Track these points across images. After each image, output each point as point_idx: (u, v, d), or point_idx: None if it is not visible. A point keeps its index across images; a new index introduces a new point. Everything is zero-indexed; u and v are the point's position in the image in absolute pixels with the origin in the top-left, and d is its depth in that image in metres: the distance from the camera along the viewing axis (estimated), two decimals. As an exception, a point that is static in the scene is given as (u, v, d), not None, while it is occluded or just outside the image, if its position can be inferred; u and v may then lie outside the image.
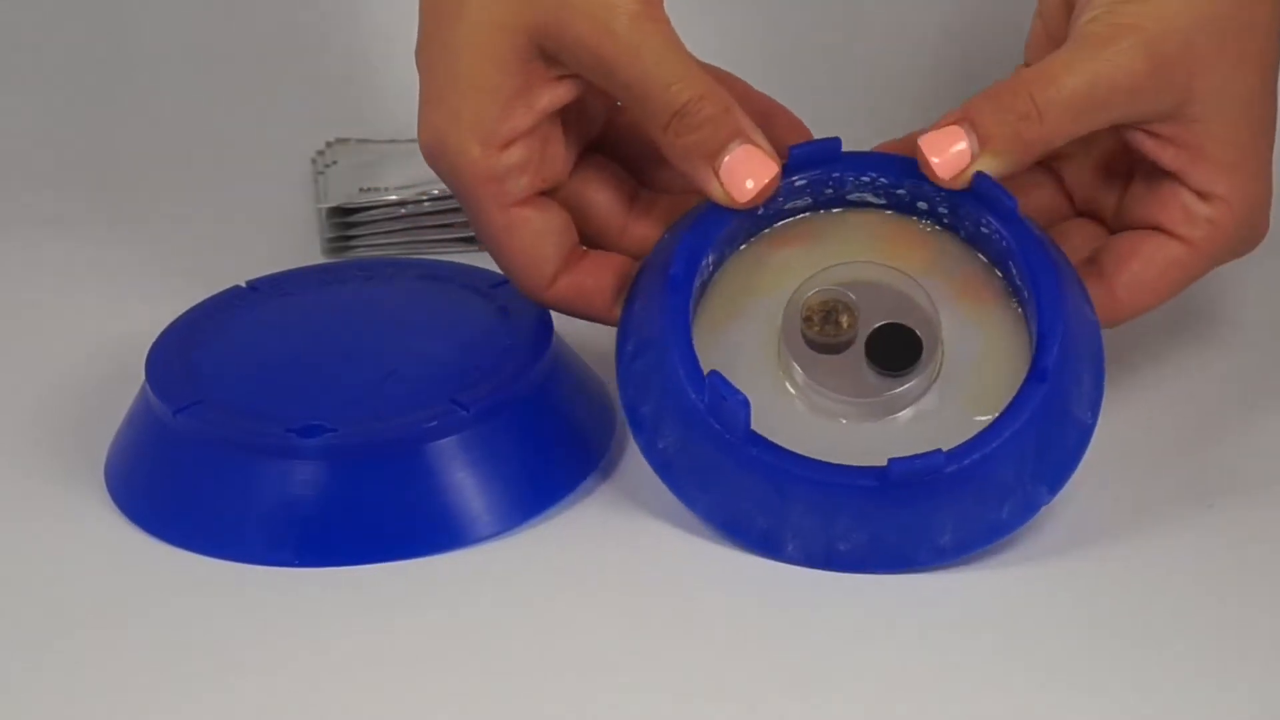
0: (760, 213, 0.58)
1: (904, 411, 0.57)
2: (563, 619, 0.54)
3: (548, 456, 0.59)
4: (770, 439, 0.55)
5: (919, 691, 0.51)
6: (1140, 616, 0.54)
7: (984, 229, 0.58)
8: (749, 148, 0.57)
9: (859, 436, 0.56)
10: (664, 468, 0.57)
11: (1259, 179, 0.59)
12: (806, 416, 0.57)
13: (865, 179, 0.59)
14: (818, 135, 0.61)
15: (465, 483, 0.58)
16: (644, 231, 0.61)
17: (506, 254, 0.60)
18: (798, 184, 0.59)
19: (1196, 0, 0.57)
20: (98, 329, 0.70)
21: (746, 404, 0.54)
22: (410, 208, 0.77)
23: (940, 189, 0.57)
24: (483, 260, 0.69)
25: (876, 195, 0.59)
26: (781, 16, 0.85)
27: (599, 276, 0.60)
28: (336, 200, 0.77)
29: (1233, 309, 0.71)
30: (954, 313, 0.58)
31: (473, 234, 0.77)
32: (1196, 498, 0.59)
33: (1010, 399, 0.55)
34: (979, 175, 0.56)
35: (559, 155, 0.60)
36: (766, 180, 0.57)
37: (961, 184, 0.57)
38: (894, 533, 0.55)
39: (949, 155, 0.56)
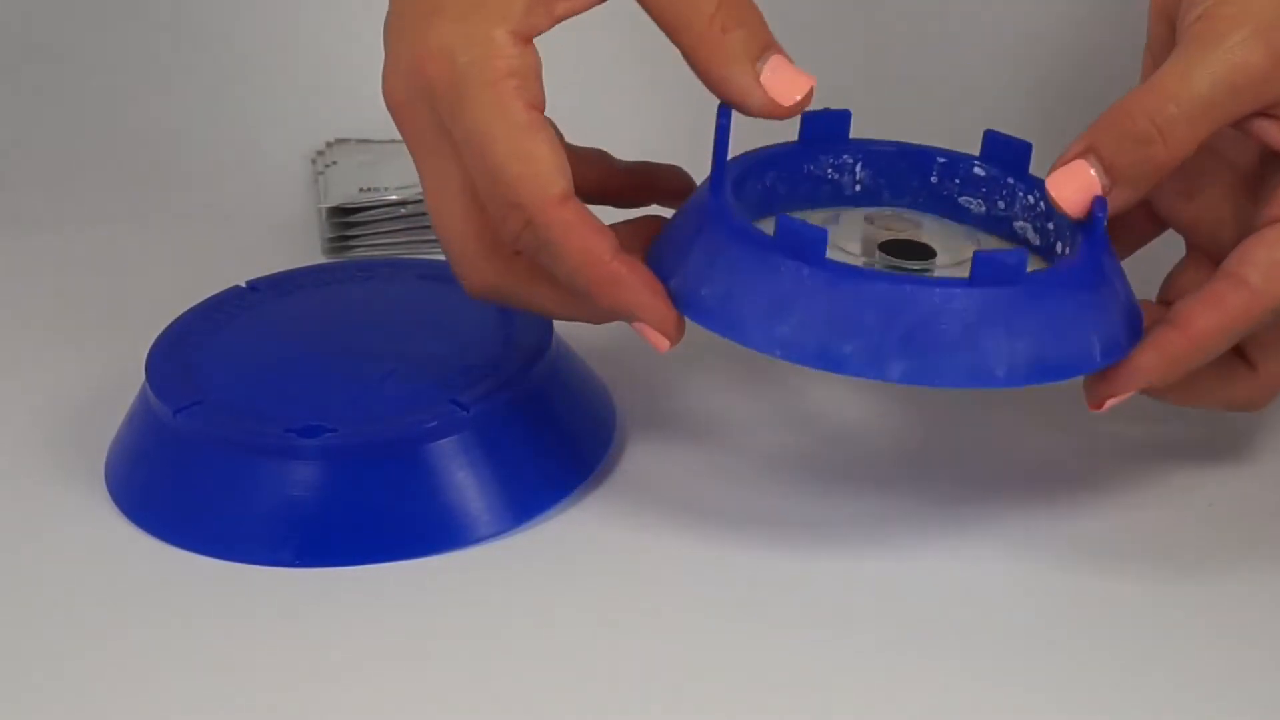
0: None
1: None
2: (562, 619, 0.54)
3: (548, 456, 0.59)
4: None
5: (918, 697, 0.51)
6: (1140, 615, 0.54)
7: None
8: (782, 58, 0.55)
9: None
10: (709, 313, 0.55)
11: None
12: None
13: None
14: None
15: (465, 483, 0.58)
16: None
17: (524, 158, 0.53)
18: (809, 169, 0.59)
19: None
20: (98, 329, 0.70)
21: (824, 232, 0.53)
22: (410, 208, 0.77)
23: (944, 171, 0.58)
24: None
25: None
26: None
27: (597, 221, 0.56)
28: (336, 200, 0.77)
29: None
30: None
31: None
32: (1197, 497, 0.59)
33: None
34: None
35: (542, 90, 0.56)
36: (805, 91, 0.55)
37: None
38: (968, 341, 0.53)
39: (1077, 192, 0.55)
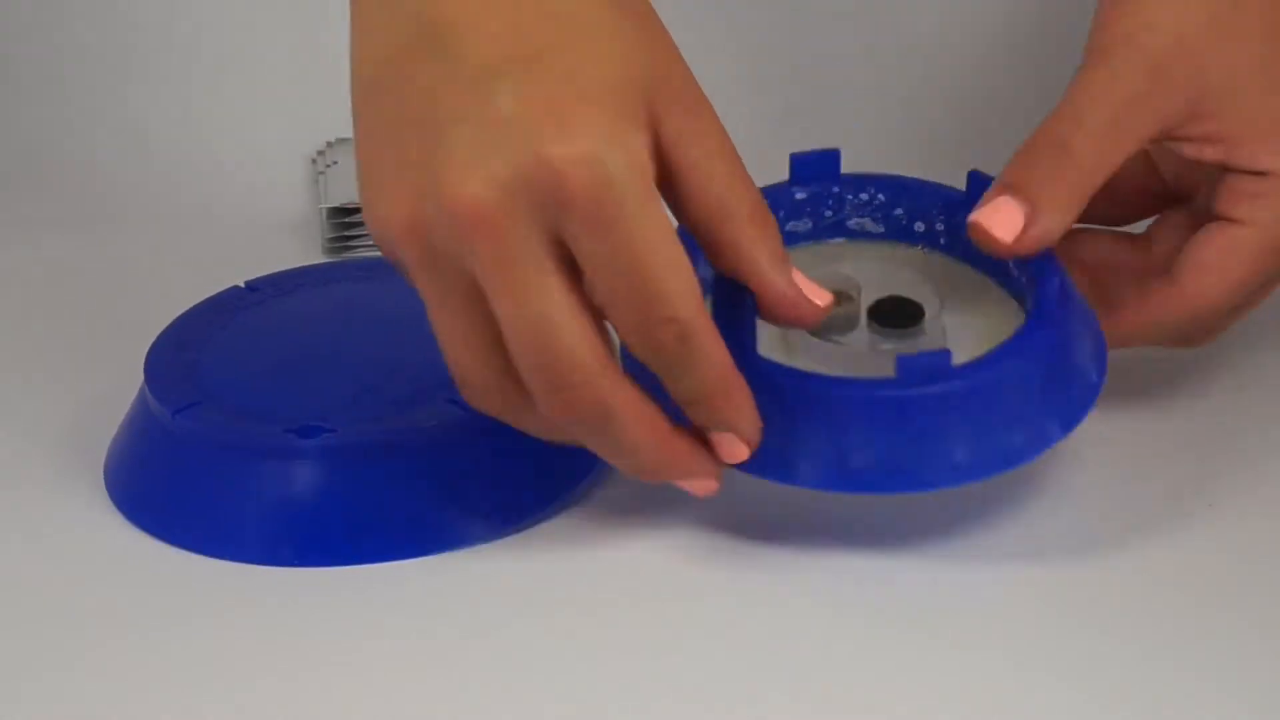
0: None
1: None
2: (561, 620, 0.54)
3: (548, 457, 0.59)
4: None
5: (920, 692, 0.51)
6: (1140, 617, 0.54)
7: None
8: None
9: None
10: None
11: None
12: None
13: (863, 197, 0.59)
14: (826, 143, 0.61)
15: (465, 483, 0.57)
16: None
17: (679, 268, 0.50)
18: (799, 198, 0.59)
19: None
20: (98, 329, 0.70)
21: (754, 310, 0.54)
22: (410, 207, 0.77)
23: (937, 207, 0.58)
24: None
25: (875, 220, 0.60)
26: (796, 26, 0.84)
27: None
28: (337, 200, 0.77)
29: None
30: (953, 310, 0.58)
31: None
32: (1197, 497, 0.59)
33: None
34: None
35: None
36: (828, 300, 0.54)
37: (1028, 248, 0.55)
38: (906, 445, 0.53)
39: (1004, 225, 0.55)
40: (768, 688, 0.51)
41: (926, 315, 0.57)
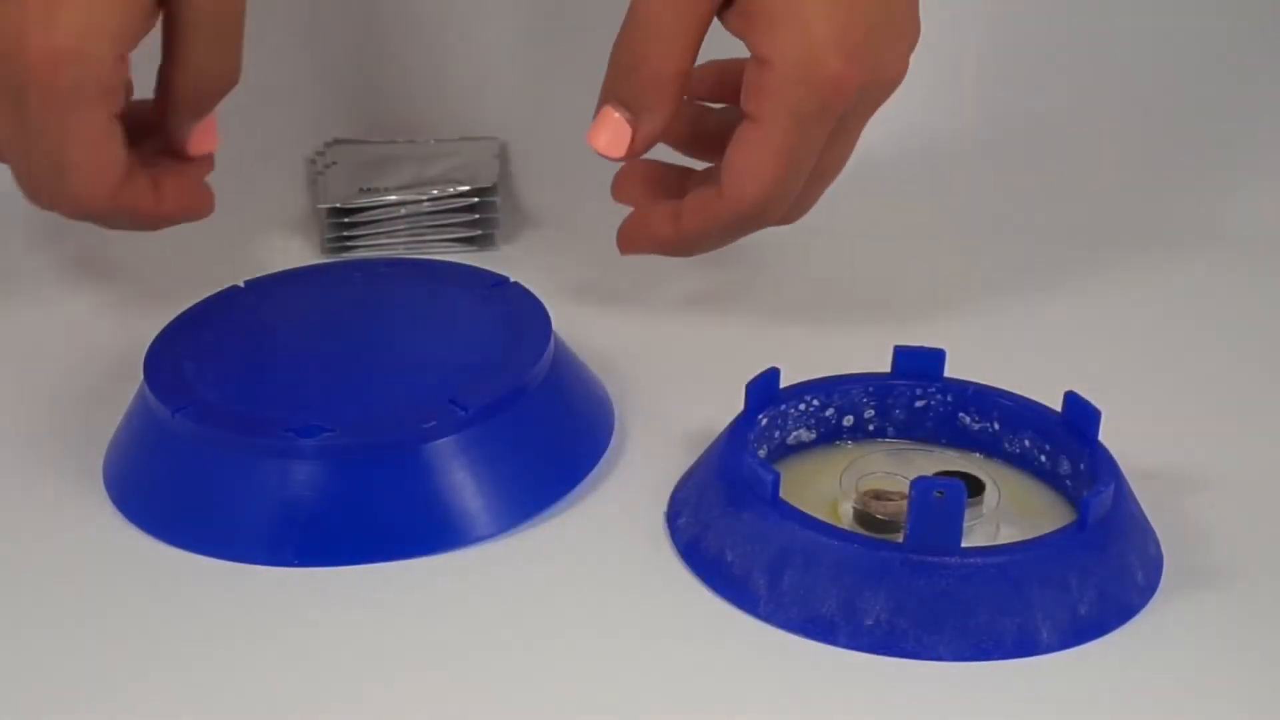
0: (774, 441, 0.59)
1: None
2: (561, 620, 0.54)
3: (546, 457, 0.59)
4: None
5: (923, 681, 0.51)
6: (1142, 619, 0.54)
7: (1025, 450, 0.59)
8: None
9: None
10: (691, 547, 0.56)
11: (814, 22, 0.55)
12: None
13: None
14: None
15: (464, 483, 0.58)
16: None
17: (96, 162, 0.60)
18: (919, 404, 0.60)
19: None
20: (97, 329, 0.70)
21: (777, 476, 0.54)
22: (410, 208, 0.77)
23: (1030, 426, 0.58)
24: (483, 260, 0.69)
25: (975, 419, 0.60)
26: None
27: (148, 186, 0.64)
28: (336, 200, 0.77)
29: (1232, 310, 0.71)
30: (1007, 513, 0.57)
31: (473, 234, 0.77)
32: (1197, 498, 0.59)
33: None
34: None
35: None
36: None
37: (639, 150, 0.58)
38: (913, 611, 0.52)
39: (613, 134, 0.58)
40: (766, 686, 0.51)
41: (986, 491, 0.56)
